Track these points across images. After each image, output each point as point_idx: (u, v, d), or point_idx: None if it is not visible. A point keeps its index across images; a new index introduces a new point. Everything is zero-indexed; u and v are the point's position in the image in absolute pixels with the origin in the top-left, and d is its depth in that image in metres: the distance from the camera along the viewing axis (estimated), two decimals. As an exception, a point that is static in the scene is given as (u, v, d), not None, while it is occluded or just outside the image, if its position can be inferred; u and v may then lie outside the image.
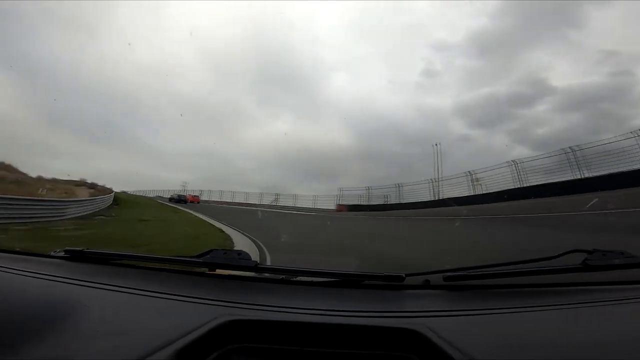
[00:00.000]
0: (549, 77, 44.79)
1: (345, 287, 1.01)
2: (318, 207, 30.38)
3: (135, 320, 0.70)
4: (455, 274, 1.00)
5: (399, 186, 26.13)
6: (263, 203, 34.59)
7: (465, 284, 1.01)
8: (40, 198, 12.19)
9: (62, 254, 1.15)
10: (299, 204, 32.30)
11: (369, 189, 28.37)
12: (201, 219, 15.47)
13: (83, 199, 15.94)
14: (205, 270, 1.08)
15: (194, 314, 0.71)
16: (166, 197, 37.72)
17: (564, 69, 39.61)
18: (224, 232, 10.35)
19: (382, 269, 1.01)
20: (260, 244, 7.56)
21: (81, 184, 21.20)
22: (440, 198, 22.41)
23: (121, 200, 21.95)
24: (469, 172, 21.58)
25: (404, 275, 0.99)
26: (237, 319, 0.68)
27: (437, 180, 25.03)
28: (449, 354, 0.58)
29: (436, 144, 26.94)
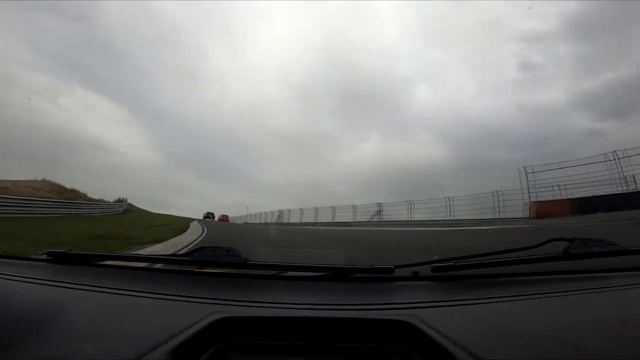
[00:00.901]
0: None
1: (335, 281, 1.02)
2: (459, 217, 16.26)
3: (125, 321, 0.68)
4: (443, 264, 1.00)
5: None
6: (358, 220, 25.38)
7: (453, 274, 1.00)
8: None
9: (44, 256, 1.12)
10: (418, 216, 21.32)
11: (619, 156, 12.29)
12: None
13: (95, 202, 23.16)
14: (194, 268, 1.06)
15: (184, 312, 0.70)
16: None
17: None
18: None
19: (370, 262, 1.02)
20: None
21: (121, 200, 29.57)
22: None
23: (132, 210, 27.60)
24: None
25: (393, 267, 0.98)
26: (228, 316, 0.68)
27: None
28: (440, 343, 0.59)
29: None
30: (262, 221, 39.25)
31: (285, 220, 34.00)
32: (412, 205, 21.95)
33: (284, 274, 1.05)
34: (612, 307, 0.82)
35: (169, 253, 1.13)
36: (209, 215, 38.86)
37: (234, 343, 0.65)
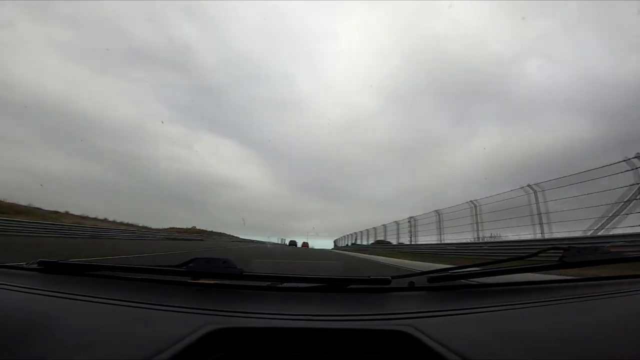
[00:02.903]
0: None
1: (332, 292, 1.01)
2: None
3: (116, 332, 0.66)
4: (439, 274, 1.01)
5: None
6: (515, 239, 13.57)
7: (449, 284, 1.00)
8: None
9: (35, 265, 1.12)
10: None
11: None
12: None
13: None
14: (188, 279, 1.05)
15: (179, 323, 0.69)
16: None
17: None
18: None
19: (367, 274, 1.02)
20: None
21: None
22: None
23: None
24: None
25: (390, 277, 0.98)
26: (224, 327, 0.67)
27: None
28: (438, 352, 0.59)
29: None
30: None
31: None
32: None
33: (280, 285, 1.04)
34: (608, 314, 0.82)
35: (163, 264, 1.08)
36: (292, 243, 49.36)
37: (229, 354, 0.64)
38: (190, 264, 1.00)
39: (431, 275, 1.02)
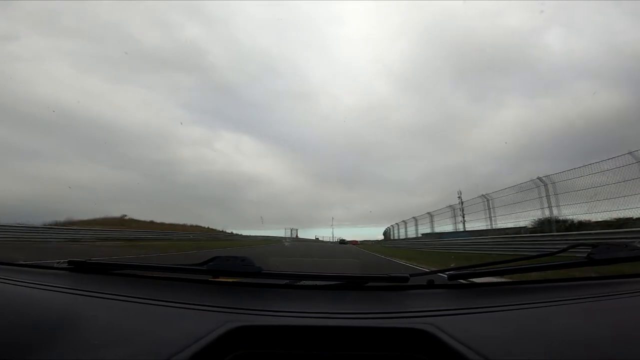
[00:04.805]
0: None
1: (350, 290, 1.02)
2: None
3: (141, 330, 0.68)
4: (459, 272, 0.99)
5: None
6: None
7: (470, 282, 0.99)
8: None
9: (65, 264, 1.15)
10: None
11: None
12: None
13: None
14: (209, 277, 1.06)
15: (200, 321, 0.71)
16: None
17: None
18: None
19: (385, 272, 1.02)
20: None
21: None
22: None
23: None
24: None
25: (408, 275, 0.97)
26: (244, 324, 0.68)
27: None
28: (459, 351, 0.59)
29: None
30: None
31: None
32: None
33: (298, 283, 1.05)
34: (638, 312, 0.79)
35: (185, 263, 1.08)
36: (342, 242, 52.38)
37: (249, 352, 0.65)
38: (211, 263, 1.03)
39: (451, 273, 1.00)
